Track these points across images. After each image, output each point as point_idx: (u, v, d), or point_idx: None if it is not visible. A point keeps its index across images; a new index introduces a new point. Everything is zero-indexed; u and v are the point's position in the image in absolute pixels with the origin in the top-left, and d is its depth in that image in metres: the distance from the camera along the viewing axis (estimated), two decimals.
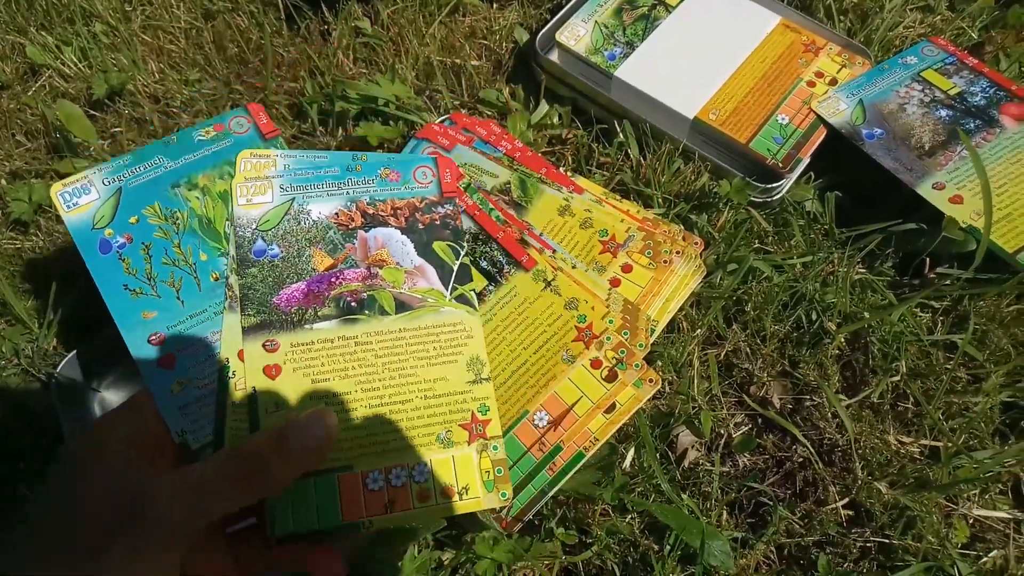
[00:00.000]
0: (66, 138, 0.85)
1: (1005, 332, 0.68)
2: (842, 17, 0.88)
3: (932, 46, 0.82)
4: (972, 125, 0.74)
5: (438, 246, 0.65)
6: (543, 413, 0.64)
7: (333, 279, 0.61)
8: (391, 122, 0.86)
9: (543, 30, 0.86)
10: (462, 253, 0.65)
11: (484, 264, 0.70)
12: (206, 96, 0.91)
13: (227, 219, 0.63)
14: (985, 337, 0.69)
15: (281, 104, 0.90)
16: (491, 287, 0.69)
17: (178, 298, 0.60)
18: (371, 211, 0.65)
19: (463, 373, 0.60)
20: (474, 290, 0.64)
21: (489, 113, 0.86)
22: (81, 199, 0.63)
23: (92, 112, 0.90)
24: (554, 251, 0.71)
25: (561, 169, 0.77)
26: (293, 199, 0.64)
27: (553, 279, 0.69)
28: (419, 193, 0.67)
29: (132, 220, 0.63)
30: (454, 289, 0.64)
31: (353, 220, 0.64)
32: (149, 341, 0.58)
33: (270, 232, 0.62)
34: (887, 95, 0.78)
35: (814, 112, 0.78)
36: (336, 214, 0.64)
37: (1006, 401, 0.67)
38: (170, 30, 0.97)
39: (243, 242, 0.61)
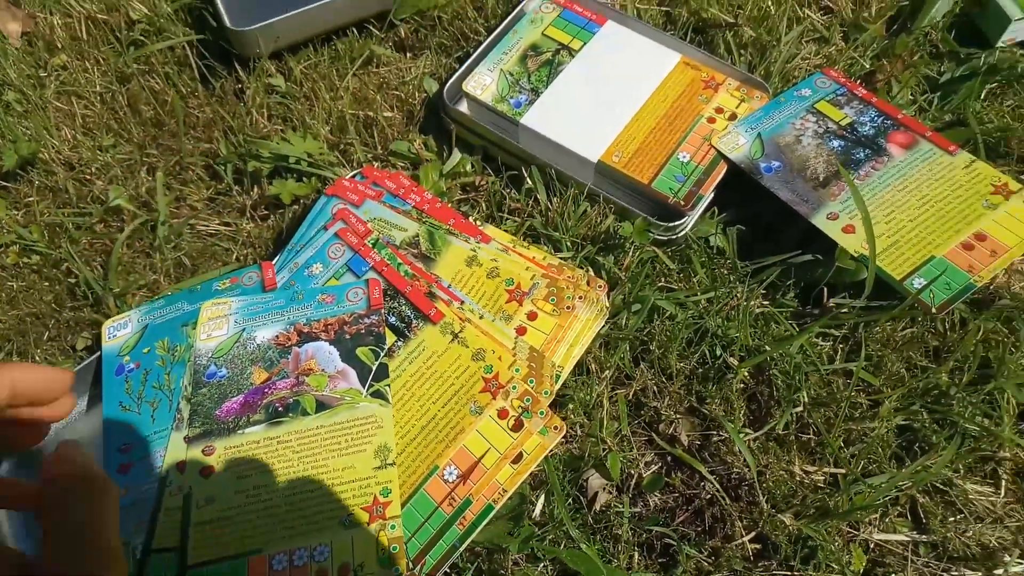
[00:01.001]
0: None
1: (899, 356, 0.70)
2: (742, 51, 0.90)
3: (825, 78, 0.84)
4: (862, 154, 0.77)
5: (361, 351, 0.70)
6: (452, 467, 0.65)
7: (266, 390, 0.68)
8: (304, 178, 0.87)
9: (450, 81, 0.87)
10: (381, 354, 0.69)
11: (393, 320, 0.71)
12: (120, 161, 0.91)
13: (189, 354, 0.72)
14: (881, 363, 0.70)
15: (197, 166, 0.91)
16: (400, 342, 0.70)
17: (152, 416, 0.69)
18: (306, 330, 0.71)
19: (370, 460, 0.64)
20: (388, 386, 0.69)
21: (402, 164, 0.88)
22: (120, 332, 0.75)
23: (3, 183, 0.90)
24: (462, 302, 0.72)
25: (474, 217, 0.78)
26: (243, 329, 0.72)
27: (460, 331, 0.70)
28: (349, 310, 0.72)
29: (145, 350, 0.73)
30: (371, 386, 0.68)
31: (290, 339, 0.71)
32: (120, 450, 0.68)
33: (221, 358, 0.70)
34: (784, 127, 0.80)
35: (714, 148, 0.80)
36: (276, 336, 0.71)
37: (902, 424, 0.68)
38: (84, 95, 0.97)
39: (199, 369, 0.71)
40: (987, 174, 0.74)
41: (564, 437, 0.70)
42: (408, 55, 0.98)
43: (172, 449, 0.67)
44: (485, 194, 0.85)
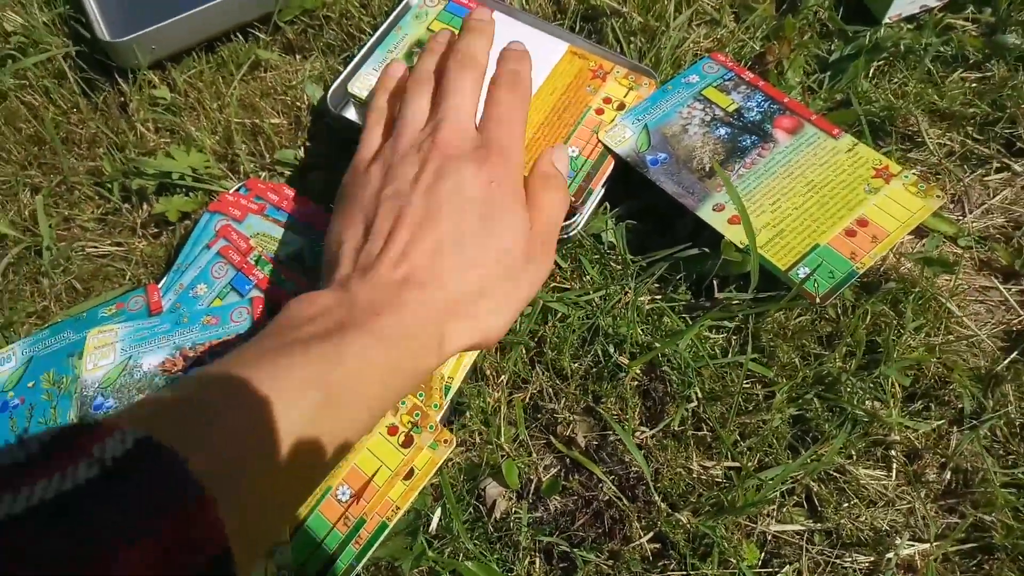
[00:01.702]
0: None
1: (792, 346, 0.70)
2: (632, 39, 0.89)
3: (712, 63, 0.83)
4: (748, 141, 0.76)
5: None
6: (345, 487, 0.64)
7: None
8: (191, 193, 0.84)
9: (335, 84, 0.85)
10: None
11: None
12: (0, 183, 0.88)
13: (75, 385, 0.70)
14: (774, 353, 0.71)
15: (83, 185, 0.88)
16: None
17: None
18: (191, 354, 0.69)
19: None
20: None
21: (290, 173, 0.85)
22: (3, 367, 0.74)
23: None
24: None
25: None
26: (130, 357, 0.69)
27: None
28: (234, 331, 0.70)
29: (30, 384, 0.72)
30: None
31: (176, 365, 0.69)
32: None
33: (108, 388, 0.68)
34: (670, 117, 0.79)
35: (600, 142, 0.79)
36: (163, 363, 0.69)
37: (796, 414, 0.69)
38: None
39: (86, 400, 0.67)
40: (869, 157, 0.73)
41: (464, 446, 0.70)
42: (297, 57, 0.95)
43: None
44: None
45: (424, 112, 0.66)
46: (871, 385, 0.68)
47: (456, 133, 0.62)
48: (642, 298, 0.73)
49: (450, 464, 0.69)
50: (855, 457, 0.67)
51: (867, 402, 0.68)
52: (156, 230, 0.86)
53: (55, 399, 0.70)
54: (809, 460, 0.66)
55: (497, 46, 0.84)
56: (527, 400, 0.72)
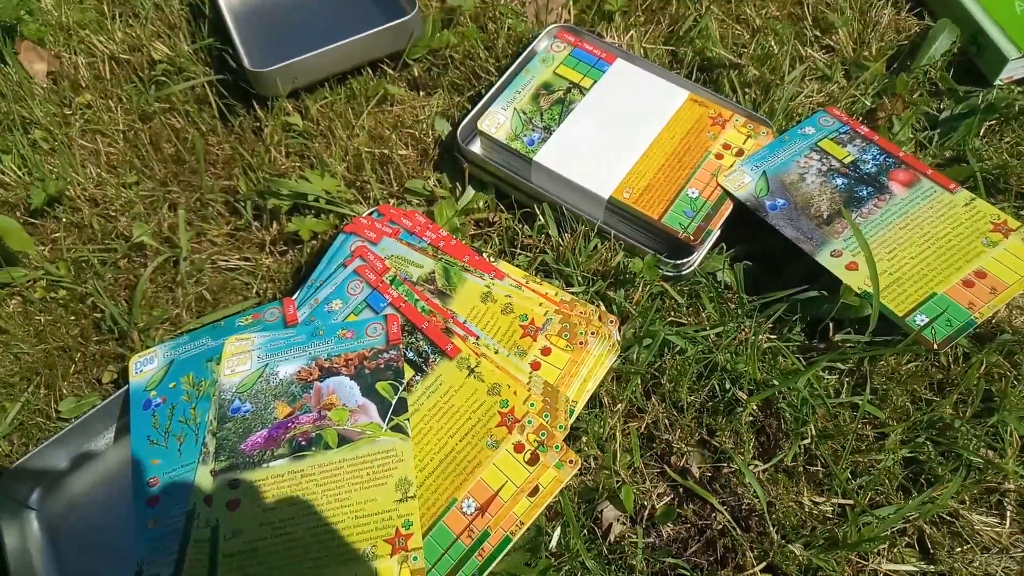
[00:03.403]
0: (3, 250, 0.87)
1: (904, 390, 0.72)
2: (747, 90, 0.93)
3: (828, 116, 0.86)
4: (865, 192, 0.79)
5: (380, 386, 0.72)
6: (471, 500, 0.67)
7: (289, 424, 0.71)
8: (323, 215, 0.89)
9: (464, 120, 0.90)
10: (400, 388, 0.72)
11: (410, 355, 0.73)
12: (143, 198, 0.94)
13: (213, 389, 0.75)
14: (887, 396, 0.73)
15: (217, 202, 0.94)
16: (417, 377, 0.72)
17: (179, 450, 0.72)
18: (327, 365, 0.74)
19: (392, 493, 0.67)
20: (407, 420, 0.71)
21: (417, 201, 0.90)
22: (147, 367, 0.78)
23: (32, 220, 0.93)
24: (477, 338, 0.75)
25: (487, 253, 0.81)
26: (266, 364, 0.74)
27: (476, 366, 0.72)
28: (369, 345, 0.75)
29: (171, 385, 0.76)
30: (390, 420, 0.70)
31: (312, 374, 0.74)
32: (148, 483, 0.70)
33: (245, 393, 0.73)
34: (788, 165, 0.83)
35: (720, 186, 0.82)
36: (298, 371, 0.74)
37: (908, 456, 0.70)
38: (108, 133, 1.00)
39: (223, 403, 0.73)
40: (986, 212, 0.76)
41: (579, 470, 0.72)
42: (422, 93, 1.01)
43: (199, 483, 0.69)
44: (498, 230, 0.87)
45: None
46: (986, 433, 0.70)
47: None
48: (759, 337, 0.75)
49: (566, 487, 0.72)
50: (968, 502, 0.69)
51: (982, 449, 0.70)
52: (284, 248, 0.91)
53: (194, 400, 0.75)
54: (923, 502, 0.67)
55: (625, 93, 0.89)
56: (642, 429, 0.74)
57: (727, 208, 0.81)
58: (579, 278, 0.81)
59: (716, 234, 0.81)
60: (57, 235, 0.92)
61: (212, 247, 0.92)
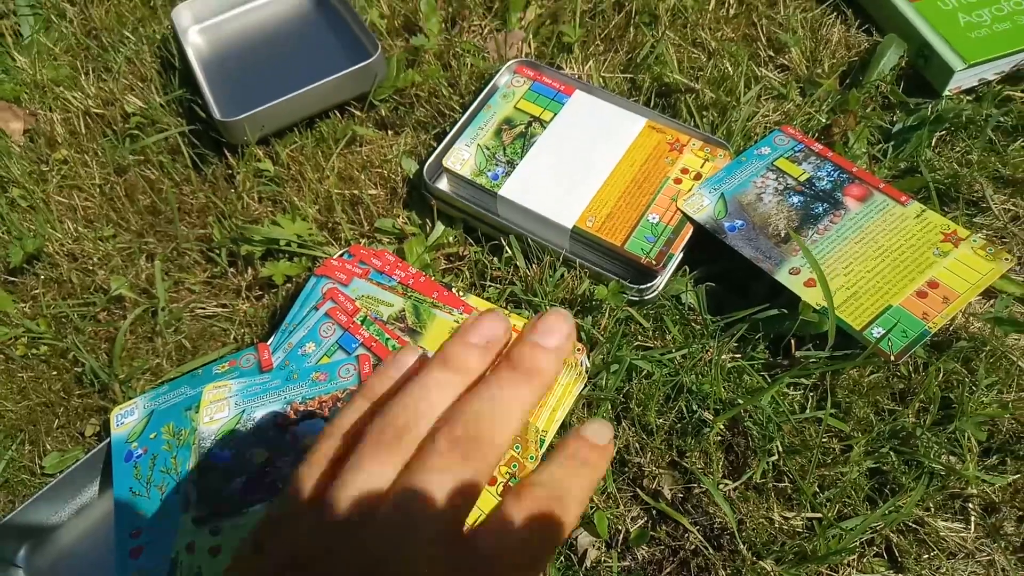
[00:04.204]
0: None
1: (867, 401, 0.74)
2: (704, 113, 0.95)
3: (783, 135, 0.89)
4: (820, 209, 0.81)
5: None
6: None
7: (268, 469, 0.72)
8: (295, 258, 0.91)
9: (431, 158, 0.92)
10: None
11: None
12: (120, 250, 0.96)
13: (193, 437, 0.76)
14: (850, 408, 0.74)
15: (193, 251, 0.96)
16: None
17: (161, 500, 0.73)
18: (302, 408, 0.75)
19: None
20: None
21: (388, 240, 0.92)
22: (127, 419, 0.79)
23: (11, 278, 0.95)
24: None
25: (457, 287, 0.83)
26: (243, 411, 0.76)
27: None
28: (342, 386, 0.76)
29: (152, 436, 0.77)
30: None
31: (288, 418, 0.75)
32: (131, 535, 0.72)
33: (224, 440, 0.74)
34: (745, 186, 0.85)
35: (680, 210, 0.84)
36: (275, 417, 0.75)
37: (873, 467, 0.72)
38: (85, 187, 1.02)
39: (203, 451, 0.73)
40: (937, 223, 0.78)
41: None
42: (389, 132, 1.03)
43: (182, 531, 0.70)
44: (468, 264, 0.89)
45: None
46: (946, 440, 0.72)
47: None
48: (723, 356, 0.77)
49: None
50: (933, 509, 0.70)
51: (943, 456, 0.71)
52: (259, 292, 0.93)
53: (175, 449, 0.76)
54: (888, 511, 0.69)
55: (584, 123, 0.91)
56: (614, 454, 0.76)
57: (688, 231, 0.83)
58: (547, 307, 0.82)
59: (678, 257, 0.82)
60: (36, 291, 0.94)
61: (190, 295, 0.94)
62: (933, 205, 0.81)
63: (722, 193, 0.84)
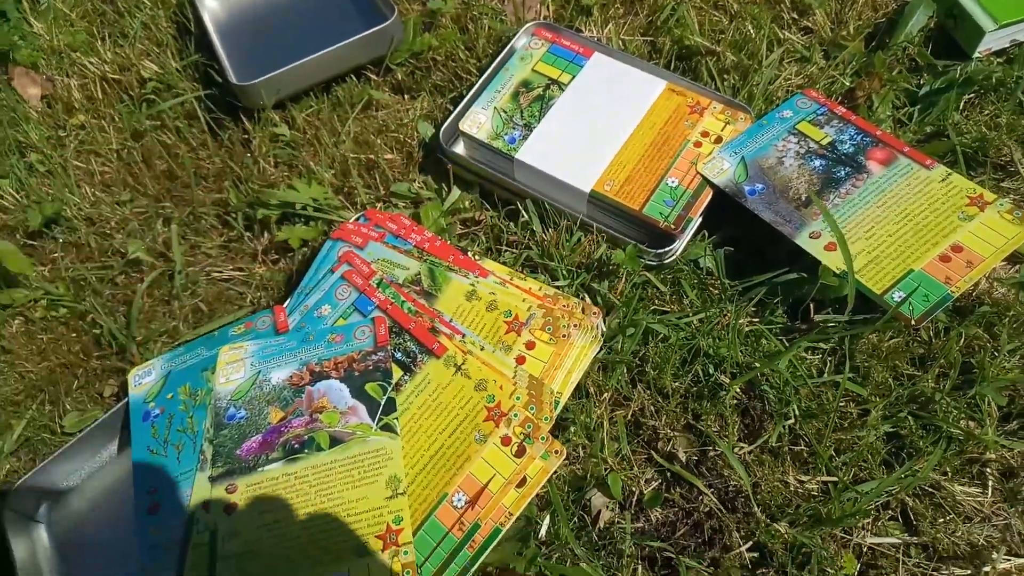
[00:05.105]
0: (3, 272, 0.90)
1: (886, 366, 0.73)
2: (725, 76, 0.94)
3: (805, 99, 0.87)
4: (842, 173, 0.80)
5: (370, 387, 0.74)
6: (461, 494, 0.68)
7: (283, 428, 0.73)
8: (311, 222, 0.91)
9: (447, 122, 0.91)
10: (389, 389, 0.73)
11: (399, 355, 0.75)
12: (137, 215, 0.96)
13: (209, 397, 0.77)
14: (869, 373, 0.73)
15: (209, 215, 0.96)
16: (406, 377, 0.74)
17: (177, 458, 0.74)
18: (317, 369, 0.76)
19: (382, 491, 0.69)
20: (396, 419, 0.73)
21: (403, 204, 0.92)
22: (145, 380, 0.80)
23: (31, 242, 0.96)
24: (463, 336, 0.76)
25: (473, 252, 0.82)
26: (259, 372, 0.76)
27: (463, 363, 0.74)
28: (357, 347, 0.77)
29: (169, 396, 0.78)
30: (380, 420, 0.72)
31: (303, 379, 0.76)
32: (148, 492, 0.73)
33: (240, 400, 0.75)
34: (766, 150, 0.83)
35: (700, 174, 0.83)
36: (290, 377, 0.76)
37: (890, 431, 0.71)
38: (102, 152, 1.02)
39: (219, 411, 0.75)
40: (963, 186, 0.76)
41: (567, 459, 0.73)
42: (406, 97, 1.02)
43: (197, 489, 0.71)
44: (484, 228, 0.89)
45: None
46: (966, 405, 0.71)
47: None
48: (741, 320, 0.76)
49: (555, 476, 0.73)
50: (950, 474, 0.69)
51: (962, 421, 0.70)
52: (275, 256, 0.93)
53: (191, 409, 0.77)
54: (904, 475, 0.68)
55: (603, 86, 0.90)
56: (629, 417, 0.75)
57: (707, 195, 0.82)
58: (564, 272, 0.82)
59: (697, 222, 0.81)
60: (55, 255, 0.95)
61: (206, 259, 0.94)
62: (959, 169, 0.80)
63: (743, 157, 0.83)
